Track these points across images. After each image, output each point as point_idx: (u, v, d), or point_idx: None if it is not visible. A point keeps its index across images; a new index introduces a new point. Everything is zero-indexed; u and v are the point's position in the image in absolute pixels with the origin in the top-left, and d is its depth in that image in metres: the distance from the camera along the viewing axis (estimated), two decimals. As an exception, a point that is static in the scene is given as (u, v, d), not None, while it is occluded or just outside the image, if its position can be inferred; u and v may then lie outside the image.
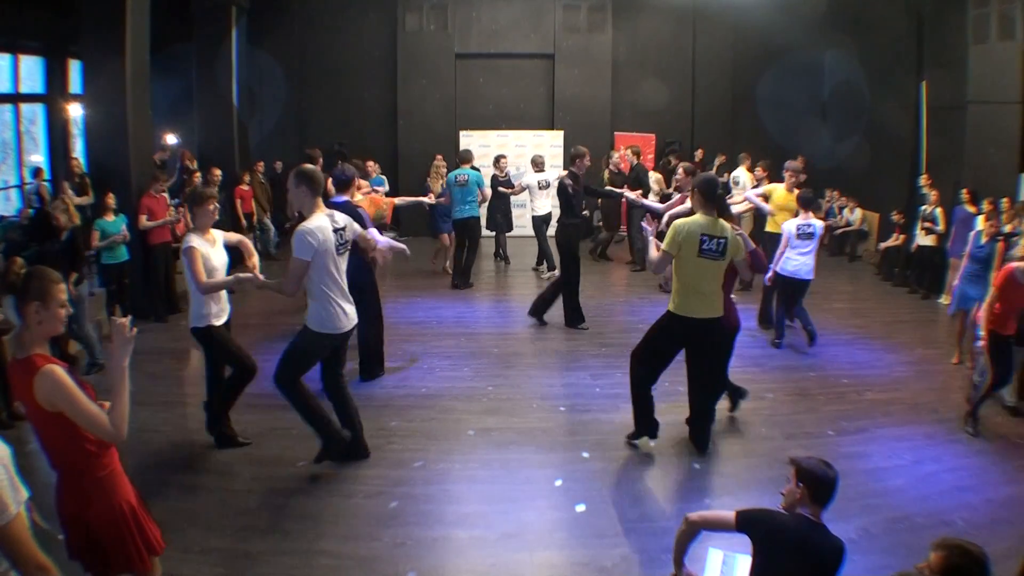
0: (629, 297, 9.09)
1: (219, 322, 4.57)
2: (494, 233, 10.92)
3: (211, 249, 4.47)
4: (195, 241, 4.37)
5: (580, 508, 4.06)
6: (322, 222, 4.09)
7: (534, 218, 9.82)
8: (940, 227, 8.87)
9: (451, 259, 9.79)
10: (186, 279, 4.49)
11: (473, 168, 9.49)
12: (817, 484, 2.55)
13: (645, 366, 4.70)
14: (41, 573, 2.45)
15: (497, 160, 10.67)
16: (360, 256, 5.20)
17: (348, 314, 4.27)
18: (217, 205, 4.64)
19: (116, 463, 2.58)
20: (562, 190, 7.36)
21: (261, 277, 4.33)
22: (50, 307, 2.41)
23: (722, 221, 4.48)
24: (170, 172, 9.83)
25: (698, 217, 4.46)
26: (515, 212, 11.29)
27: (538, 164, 9.81)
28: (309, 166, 4.30)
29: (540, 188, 9.73)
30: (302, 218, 4.16)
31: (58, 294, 2.44)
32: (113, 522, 2.51)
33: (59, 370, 2.36)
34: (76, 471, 2.46)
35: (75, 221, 6.49)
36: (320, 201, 4.17)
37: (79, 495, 2.47)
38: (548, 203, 9.86)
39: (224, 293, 4.61)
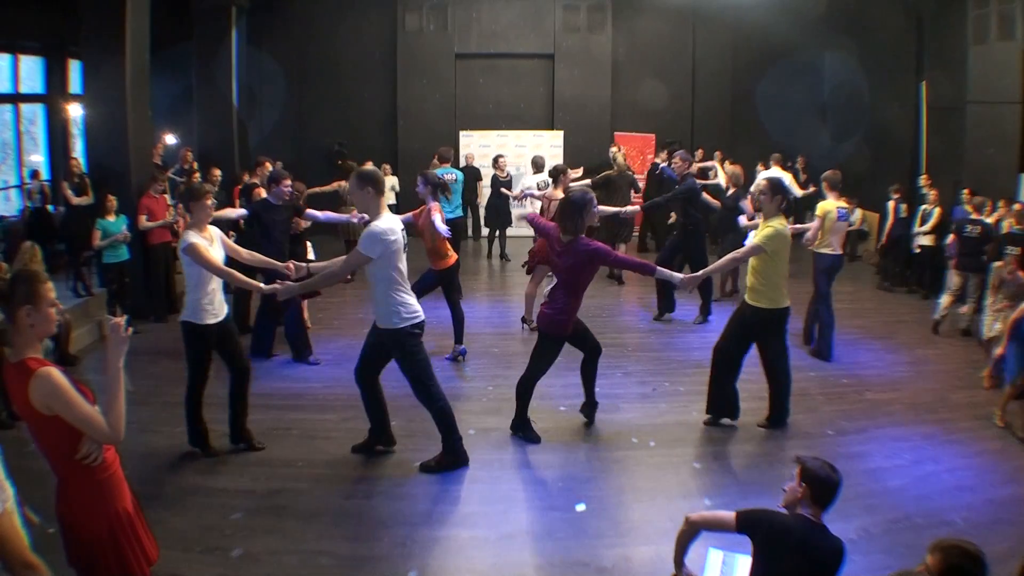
0: (628, 297, 9.09)
1: (214, 320, 4.51)
2: (488, 233, 10.89)
3: (209, 246, 4.40)
4: (193, 237, 4.32)
5: (580, 508, 4.06)
6: (393, 223, 4.17)
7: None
8: (928, 226, 8.85)
9: None
10: (185, 276, 4.46)
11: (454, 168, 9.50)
12: (820, 486, 2.55)
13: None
14: (28, 571, 2.44)
15: (496, 160, 10.68)
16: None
17: (416, 304, 4.34)
18: (214, 201, 4.56)
19: (117, 467, 2.54)
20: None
21: (286, 284, 4.33)
22: (41, 308, 2.37)
23: None
24: (169, 167, 9.84)
25: (782, 219, 4.81)
26: (514, 212, 11.28)
27: (538, 165, 9.81)
28: (370, 167, 4.40)
29: (540, 189, 9.72)
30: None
31: (47, 294, 2.39)
32: (109, 528, 2.46)
33: (55, 372, 2.33)
34: (75, 474, 2.42)
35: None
36: (383, 201, 4.28)
37: (77, 500, 2.43)
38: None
39: (220, 293, 4.56)
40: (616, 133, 13.17)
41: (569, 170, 7.73)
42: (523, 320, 7.52)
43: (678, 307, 7.91)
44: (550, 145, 12.96)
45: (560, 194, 7.35)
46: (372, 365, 4.54)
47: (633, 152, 12.68)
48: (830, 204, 6.79)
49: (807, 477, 2.57)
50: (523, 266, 7.53)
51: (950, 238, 7.79)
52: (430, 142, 12.23)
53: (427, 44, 13.03)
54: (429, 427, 5.05)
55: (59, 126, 11.77)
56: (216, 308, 4.54)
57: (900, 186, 9.69)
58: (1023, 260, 6.61)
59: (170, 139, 11.53)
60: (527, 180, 9.80)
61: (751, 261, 4.87)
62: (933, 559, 2.16)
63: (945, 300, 7.64)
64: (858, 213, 11.40)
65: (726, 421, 5.17)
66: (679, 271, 8.00)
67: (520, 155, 12.51)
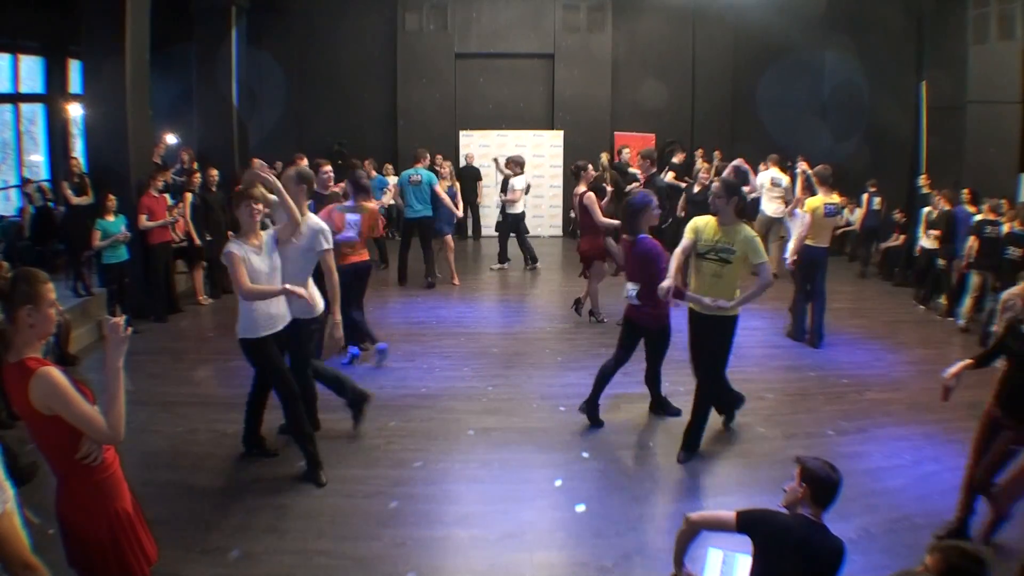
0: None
1: (268, 332, 4.19)
2: (519, 240, 10.51)
3: (255, 255, 4.09)
4: (231, 246, 4.05)
5: (580, 508, 4.06)
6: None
7: (510, 215, 10.06)
8: (938, 231, 8.74)
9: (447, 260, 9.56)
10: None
11: (429, 168, 9.53)
12: (820, 485, 2.55)
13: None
14: (28, 572, 2.44)
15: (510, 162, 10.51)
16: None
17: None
18: (255, 207, 4.11)
19: (116, 467, 2.54)
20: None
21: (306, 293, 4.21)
22: (42, 308, 2.36)
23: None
24: (169, 167, 9.86)
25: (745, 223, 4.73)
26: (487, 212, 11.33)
27: (519, 164, 9.88)
28: (306, 167, 4.46)
29: (524, 192, 9.92)
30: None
31: (48, 294, 2.39)
32: (109, 529, 2.46)
33: (55, 372, 2.32)
34: (75, 475, 2.41)
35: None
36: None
37: (77, 500, 2.43)
38: (523, 203, 10.21)
39: (282, 298, 4.23)
40: (616, 133, 13.18)
41: (590, 167, 7.76)
42: (591, 314, 7.71)
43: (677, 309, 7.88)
44: (550, 145, 12.97)
45: (582, 188, 7.35)
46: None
47: (633, 152, 12.68)
48: (817, 200, 6.84)
49: (807, 477, 2.57)
50: (580, 275, 7.73)
51: (970, 240, 7.74)
52: (430, 142, 12.25)
53: (427, 44, 13.03)
54: (429, 427, 5.07)
55: (59, 126, 11.76)
56: (271, 320, 4.20)
57: (876, 181, 10.19)
58: None
59: (171, 139, 11.52)
60: (519, 182, 9.89)
61: (714, 268, 4.51)
62: (933, 559, 2.16)
63: (968, 304, 7.67)
64: (858, 213, 11.40)
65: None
66: None
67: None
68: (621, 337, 5.09)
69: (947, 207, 8.53)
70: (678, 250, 4.56)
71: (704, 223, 4.58)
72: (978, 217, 7.88)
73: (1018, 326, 3.60)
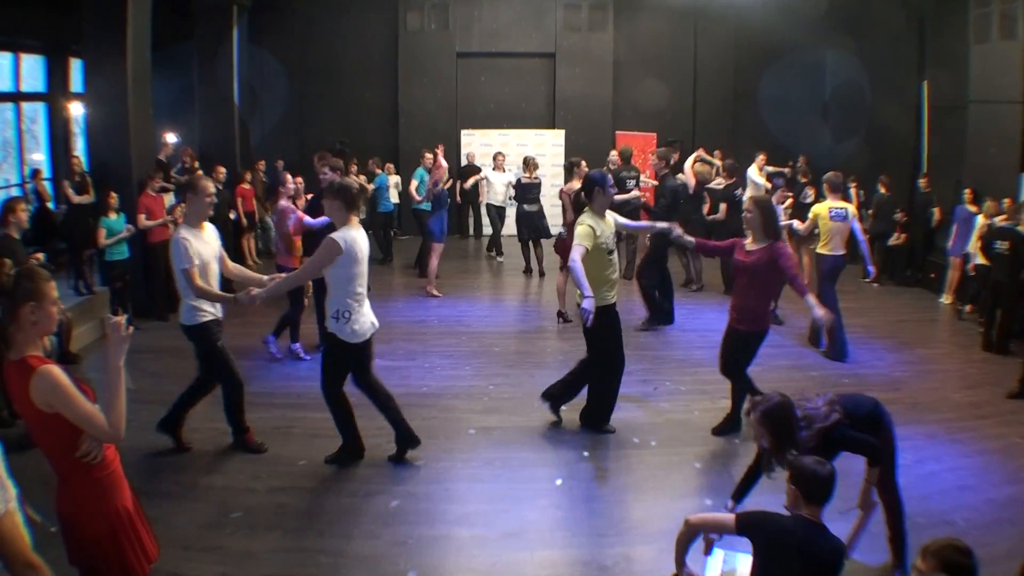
0: (630, 297, 9.07)
1: (212, 317, 4.52)
2: (522, 247, 9.97)
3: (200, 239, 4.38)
4: (184, 232, 4.34)
5: (580, 507, 4.07)
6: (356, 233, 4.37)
7: (495, 207, 10.99)
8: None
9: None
10: (175, 272, 4.40)
11: (428, 167, 9.77)
12: (808, 483, 2.53)
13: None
14: (30, 571, 2.45)
15: (526, 162, 9.98)
16: None
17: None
18: (213, 199, 4.52)
19: (117, 465, 2.54)
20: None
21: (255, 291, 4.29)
22: (44, 306, 2.37)
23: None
24: (171, 166, 9.88)
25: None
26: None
27: (529, 164, 9.90)
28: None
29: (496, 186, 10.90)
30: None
31: (51, 292, 2.40)
32: (110, 527, 2.46)
33: (56, 370, 2.33)
34: (76, 473, 2.41)
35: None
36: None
37: (77, 498, 2.43)
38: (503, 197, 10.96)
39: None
40: (617, 132, 13.16)
41: (583, 163, 7.73)
42: (559, 314, 7.65)
43: (679, 307, 7.89)
44: (551, 144, 12.96)
45: (576, 186, 7.31)
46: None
47: (634, 151, 12.67)
48: (823, 206, 6.75)
49: (795, 478, 2.56)
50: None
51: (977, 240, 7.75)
52: (431, 141, 12.19)
53: (428, 43, 13.02)
54: (430, 425, 5.07)
55: (60, 125, 11.77)
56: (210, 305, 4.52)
57: (856, 177, 10.42)
58: (1013, 255, 6.58)
59: (171, 138, 11.51)
60: (491, 176, 10.66)
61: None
62: (928, 564, 2.15)
63: None
64: (853, 210, 11.35)
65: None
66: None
67: (521, 155, 12.45)
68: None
69: (884, 192, 9.88)
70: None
71: (601, 223, 4.75)
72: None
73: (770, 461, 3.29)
